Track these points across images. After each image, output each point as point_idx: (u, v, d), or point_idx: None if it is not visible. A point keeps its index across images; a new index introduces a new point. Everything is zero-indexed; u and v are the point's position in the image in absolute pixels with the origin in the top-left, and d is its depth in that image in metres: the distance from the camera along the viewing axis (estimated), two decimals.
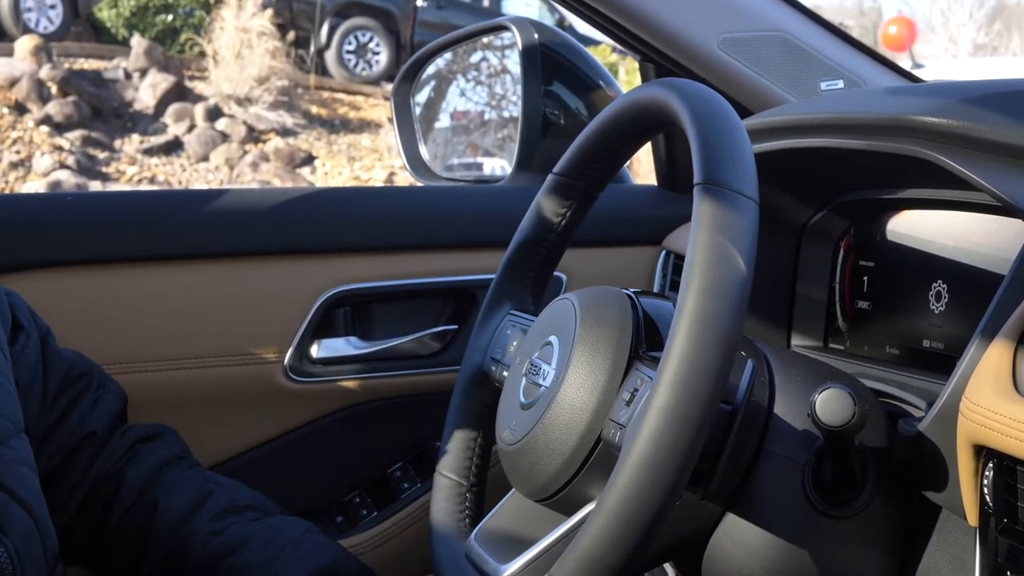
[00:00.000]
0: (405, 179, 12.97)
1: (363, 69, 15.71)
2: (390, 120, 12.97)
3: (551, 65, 2.03)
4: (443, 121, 2.58)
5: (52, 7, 14.16)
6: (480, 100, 2.58)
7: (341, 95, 15.22)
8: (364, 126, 14.43)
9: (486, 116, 2.58)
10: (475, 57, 2.49)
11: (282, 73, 14.02)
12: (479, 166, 2.60)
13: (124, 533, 1.39)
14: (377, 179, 13.02)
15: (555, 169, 1.35)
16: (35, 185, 11.07)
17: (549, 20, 16.55)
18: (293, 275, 1.82)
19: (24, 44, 13.00)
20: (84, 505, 1.41)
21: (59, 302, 1.66)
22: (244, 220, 1.81)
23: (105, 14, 15.65)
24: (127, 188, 11.51)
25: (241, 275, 1.80)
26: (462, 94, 2.58)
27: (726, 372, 0.93)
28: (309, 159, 13.16)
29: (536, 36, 2.02)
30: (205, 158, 12.70)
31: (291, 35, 14.61)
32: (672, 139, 1.95)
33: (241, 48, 13.75)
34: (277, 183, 12.25)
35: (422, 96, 2.43)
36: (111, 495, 1.41)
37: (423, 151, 2.33)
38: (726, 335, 0.92)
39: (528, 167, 2.03)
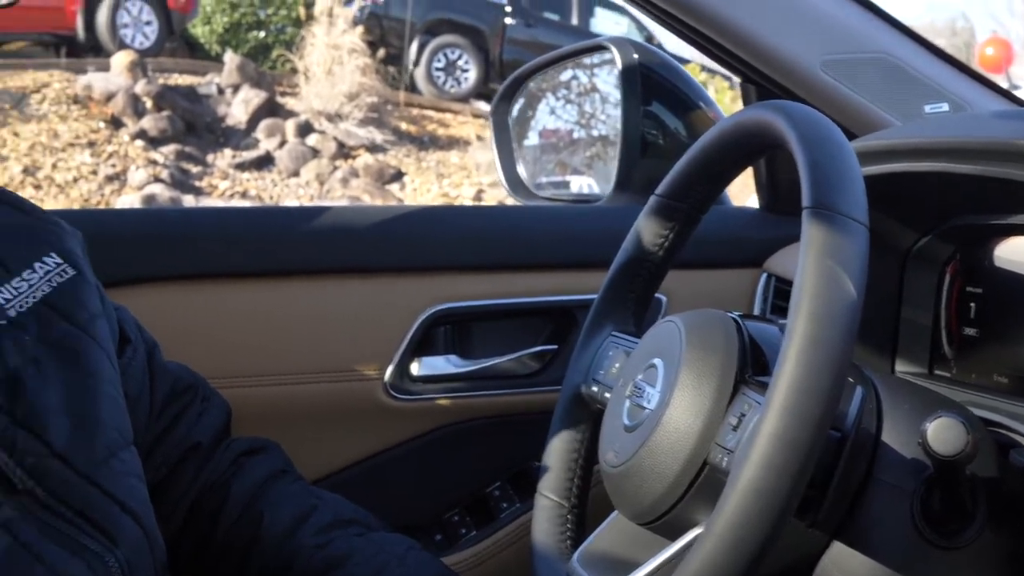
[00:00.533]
0: (493, 197, 13.01)
1: (452, 86, 15.80)
2: (479, 138, 13.05)
3: (650, 85, 2.03)
4: (532, 139, 2.58)
5: (148, 23, 14.42)
6: (569, 118, 2.59)
7: (430, 112, 15.32)
8: (453, 143, 14.50)
9: (575, 135, 2.59)
10: (565, 75, 2.50)
11: (372, 90, 14.13)
12: (567, 184, 2.60)
13: (230, 546, 1.41)
14: (465, 196, 13.07)
15: (658, 191, 1.35)
16: (130, 198, 11.25)
17: (637, 37, 16.55)
18: (395, 293, 1.83)
19: (120, 60, 13.24)
20: (190, 517, 1.43)
21: (164, 316, 1.69)
22: (348, 237, 1.83)
23: (199, 30, 15.92)
24: (219, 202, 11.66)
25: (344, 292, 1.82)
26: (551, 112, 2.59)
27: (836, 398, 0.92)
28: (398, 175, 13.25)
29: (636, 56, 2.02)
30: (296, 173, 12.83)
31: (381, 52, 14.72)
32: (774, 161, 1.94)
33: (332, 65, 13.90)
34: (367, 199, 12.35)
35: (517, 115, 2.44)
36: (217, 508, 1.43)
37: (521, 170, 2.34)
38: (836, 360, 0.92)
39: (627, 187, 2.03)
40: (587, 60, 2.31)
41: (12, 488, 1.09)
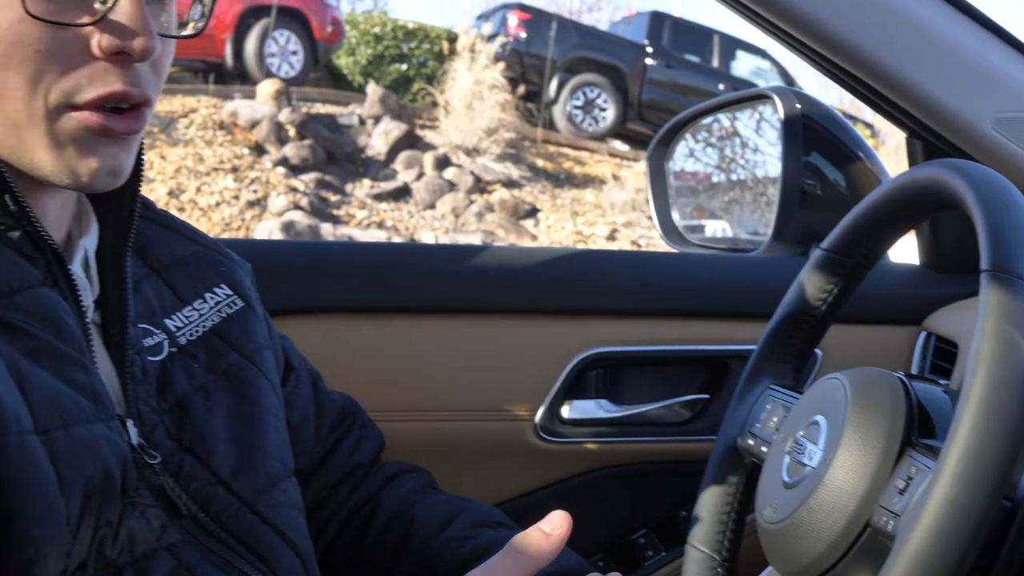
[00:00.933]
0: (626, 236, 13.01)
1: (590, 124, 15.86)
2: (614, 177, 13.05)
3: (811, 135, 2.02)
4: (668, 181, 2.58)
5: (294, 53, 14.73)
6: (709, 161, 2.57)
7: (567, 149, 15.39)
8: (588, 181, 14.55)
9: (713, 178, 2.58)
10: (707, 119, 2.49)
11: (510, 126, 14.26)
12: (702, 228, 2.59)
13: (379, 551, 1.42)
14: (599, 235, 13.09)
15: (823, 244, 1.33)
16: (269, 224, 11.47)
17: (779, 83, 16.44)
18: (549, 334, 1.84)
19: (266, 88, 13.55)
20: (341, 532, 1.45)
21: (323, 347, 1.71)
22: (506, 278, 1.84)
23: (343, 61, 16.24)
24: (356, 231, 11.83)
25: (499, 331, 1.83)
26: (690, 154, 2.58)
27: (1011, 467, 0.90)
28: (533, 211, 13.32)
29: (798, 106, 2.01)
30: (432, 206, 12.98)
31: (521, 89, 14.86)
32: (938, 218, 1.91)
33: (472, 100, 14.06)
34: (501, 234, 12.43)
35: (674, 160, 2.44)
36: (366, 520, 1.45)
37: (675, 217, 2.34)
38: (1012, 429, 0.90)
39: (784, 238, 2.01)
40: (747, 108, 2.30)
41: (177, 513, 1.11)
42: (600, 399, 1.88)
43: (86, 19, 1.00)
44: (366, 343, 1.80)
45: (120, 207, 1.17)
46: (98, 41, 1.01)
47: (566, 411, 1.86)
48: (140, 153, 1.16)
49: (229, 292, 1.29)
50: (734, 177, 2.51)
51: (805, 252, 1.99)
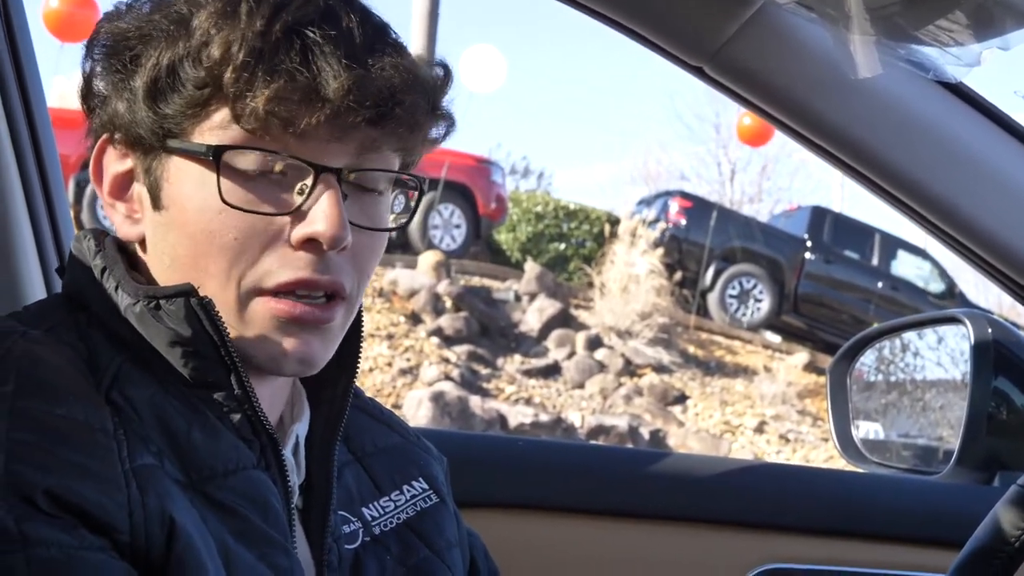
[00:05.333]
0: (775, 430, 12.83)
1: (743, 314, 15.80)
2: (766, 368, 12.92)
3: (1000, 360, 1.99)
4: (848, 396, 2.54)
5: (457, 226, 15.03)
6: (867, 362, 2.54)
7: (719, 338, 15.34)
8: (739, 371, 14.44)
9: (869, 378, 2.55)
10: (892, 336, 2.46)
11: (664, 311, 14.30)
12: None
13: None
14: (747, 426, 12.93)
15: (1021, 481, 1.31)
16: (420, 393, 11.58)
17: (939, 284, 16.23)
18: (728, 546, 1.82)
19: (427, 259, 13.85)
20: None
21: (500, 542, 1.72)
22: (687, 485, 1.84)
23: (503, 237, 16.52)
24: (504, 406, 11.87)
25: (677, 540, 1.82)
26: (874, 369, 2.55)
27: None
28: (682, 398, 13.25)
29: (990, 331, 1.99)
30: (581, 385, 12.99)
31: (677, 275, 14.92)
32: None
33: (628, 283, 14.15)
34: (648, 418, 12.37)
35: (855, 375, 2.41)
36: None
37: (855, 434, 2.31)
38: None
39: (968, 462, 1.97)
40: (936, 329, 2.29)
41: None
42: None
43: (283, 209, 1.06)
44: (543, 541, 1.80)
45: (333, 398, 1.21)
46: (291, 230, 1.06)
47: None
48: (358, 346, 1.21)
49: (425, 487, 1.31)
50: (892, 379, 2.48)
51: (990, 479, 1.95)
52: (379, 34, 1.10)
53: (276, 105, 1.02)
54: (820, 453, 12.47)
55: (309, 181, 1.06)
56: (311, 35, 1.04)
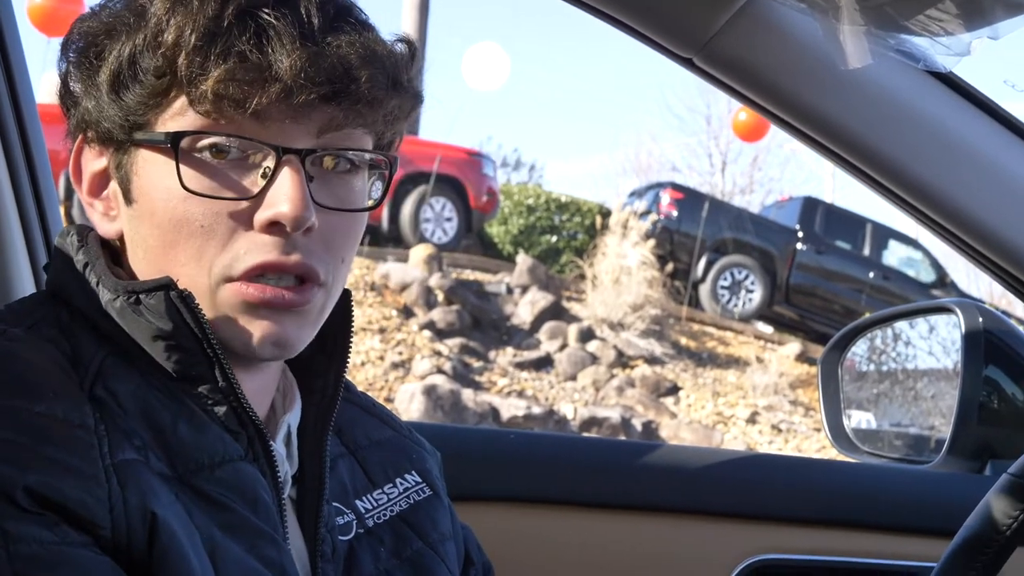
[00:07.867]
0: (767, 420, 12.84)
1: (735, 305, 15.81)
2: (758, 359, 12.95)
3: (991, 350, 2.00)
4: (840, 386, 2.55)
5: (448, 220, 15.01)
6: (859, 351, 2.55)
7: (711, 329, 15.35)
8: (731, 362, 14.45)
9: (860, 367, 2.55)
10: (883, 326, 2.46)
11: (656, 302, 14.30)
12: (875, 434, 2.55)
13: None
14: (740, 417, 12.94)
15: (1011, 470, 1.32)
16: (411, 387, 11.56)
17: (930, 273, 16.26)
18: (718, 536, 1.83)
19: (418, 252, 13.83)
20: None
21: (493, 535, 1.72)
22: (677, 477, 1.84)
23: (495, 230, 16.52)
24: (496, 398, 11.86)
25: (668, 530, 1.83)
26: (864, 358, 2.56)
27: None
28: (674, 389, 13.25)
29: (981, 321, 2.00)
30: (573, 377, 12.99)
31: (669, 266, 14.92)
32: None
33: (620, 275, 14.16)
34: (640, 409, 12.37)
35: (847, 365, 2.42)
36: None
37: (847, 424, 2.31)
38: None
39: (959, 452, 1.98)
40: (926, 318, 2.29)
41: None
42: None
43: (246, 194, 1.05)
44: (535, 534, 1.80)
45: (324, 387, 1.21)
46: (255, 215, 1.05)
47: None
48: (348, 337, 1.21)
49: (418, 480, 1.32)
50: (884, 368, 2.48)
51: (981, 467, 1.95)
52: (341, 14, 1.09)
53: (227, 86, 1.02)
54: (812, 443, 12.49)
55: (271, 163, 1.05)
56: (265, 17, 1.04)
